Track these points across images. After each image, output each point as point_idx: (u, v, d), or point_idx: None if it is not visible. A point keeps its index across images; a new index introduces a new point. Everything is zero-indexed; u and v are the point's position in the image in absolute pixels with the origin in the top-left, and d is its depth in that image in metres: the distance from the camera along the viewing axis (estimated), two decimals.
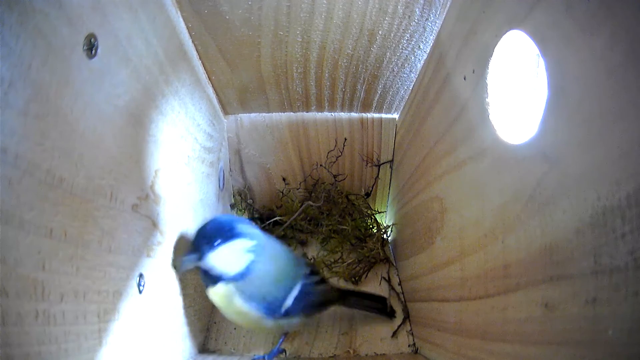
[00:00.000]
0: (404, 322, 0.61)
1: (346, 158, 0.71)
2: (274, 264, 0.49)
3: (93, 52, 0.30)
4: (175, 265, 0.47)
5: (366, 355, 0.57)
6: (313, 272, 0.55)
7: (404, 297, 0.64)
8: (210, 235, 0.45)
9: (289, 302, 0.49)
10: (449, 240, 0.46)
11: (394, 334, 0.60)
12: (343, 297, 0.58)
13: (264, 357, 0.53)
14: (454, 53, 0.44)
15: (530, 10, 0.29)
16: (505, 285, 0.33)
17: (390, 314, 0.62)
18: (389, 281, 0.67)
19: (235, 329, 0.60)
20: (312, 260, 0.70)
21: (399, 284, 0.67)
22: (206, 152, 0.59)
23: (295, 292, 0.50)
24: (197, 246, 0.46)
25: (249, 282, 0.46)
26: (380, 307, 0.61)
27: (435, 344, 0.51)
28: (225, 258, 0.46)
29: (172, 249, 0.47)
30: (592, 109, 0.24)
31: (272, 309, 0.48)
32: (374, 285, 0.67)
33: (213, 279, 0.47)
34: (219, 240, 0.45)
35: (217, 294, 0.47)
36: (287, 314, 0.50)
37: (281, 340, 0.55)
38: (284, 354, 0.56)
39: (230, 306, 0.48)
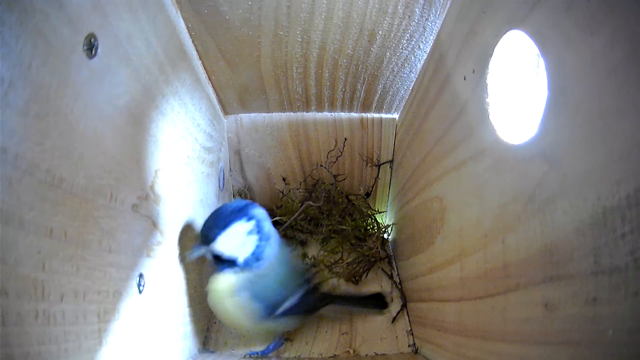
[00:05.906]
0: (402, 309, 0.63)
1: (346, 158, 0.70)
2: (278, 264, 0.50)
3: (93, 52, 0.30)
4: (183, 257, 0.48)
5: (366, 355, 0.57)
6: (309, 279, 0.56)
7: (401, 285, 0.66)
8: (213, 224, 0.47)
9: (283, 307, 0.51)
10: (449, 240, 0.46)
11: (394, 320, 0.62)
12: (333, 301, 0.59)
13: (257, 353, 0.55)
14: (454, 53, 0.44)
15: (530, 10, 0.29)
16: (505, 285, 0.33)
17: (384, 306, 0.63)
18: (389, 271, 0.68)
19: (235, 329, 0.60)
20: (312, 260, 0.70)
21: (398, 274, 0.68)
22: (206, 152, 0.59)
23: (293, 300, 0.52)
24: (204, 236, 0.47)
25: (254, 279, 0.48)
26: (376, 303, 0.63)
27: (435, 344, 0.51)
28: (230, 242, 0.47)
29: (176, 246, 0.47)
30: (593, 108, 0.24)
31: (268, 311, 0.50)
32: (374, 285, 0.67)
33: (222, 266, 0.48)
34: (218, 229, 0.47)
35: (219, 282, 0.49)
36: (279, 316, 0.51)
37: (278, 337, 0.57)
38: (289, 341, 0.58)
39: (225, 301, 0.49)
